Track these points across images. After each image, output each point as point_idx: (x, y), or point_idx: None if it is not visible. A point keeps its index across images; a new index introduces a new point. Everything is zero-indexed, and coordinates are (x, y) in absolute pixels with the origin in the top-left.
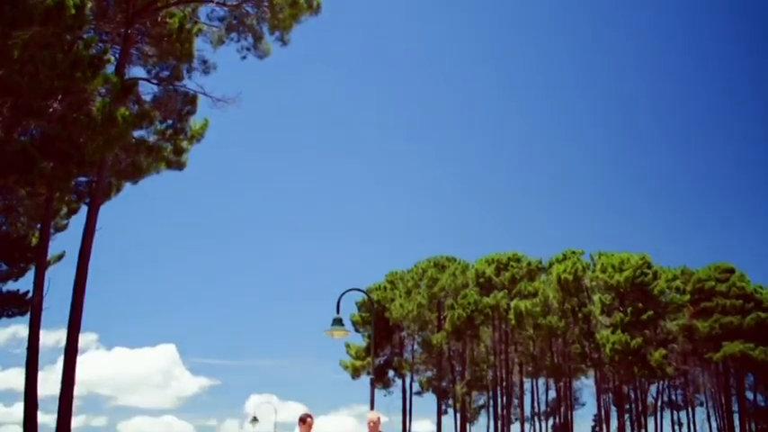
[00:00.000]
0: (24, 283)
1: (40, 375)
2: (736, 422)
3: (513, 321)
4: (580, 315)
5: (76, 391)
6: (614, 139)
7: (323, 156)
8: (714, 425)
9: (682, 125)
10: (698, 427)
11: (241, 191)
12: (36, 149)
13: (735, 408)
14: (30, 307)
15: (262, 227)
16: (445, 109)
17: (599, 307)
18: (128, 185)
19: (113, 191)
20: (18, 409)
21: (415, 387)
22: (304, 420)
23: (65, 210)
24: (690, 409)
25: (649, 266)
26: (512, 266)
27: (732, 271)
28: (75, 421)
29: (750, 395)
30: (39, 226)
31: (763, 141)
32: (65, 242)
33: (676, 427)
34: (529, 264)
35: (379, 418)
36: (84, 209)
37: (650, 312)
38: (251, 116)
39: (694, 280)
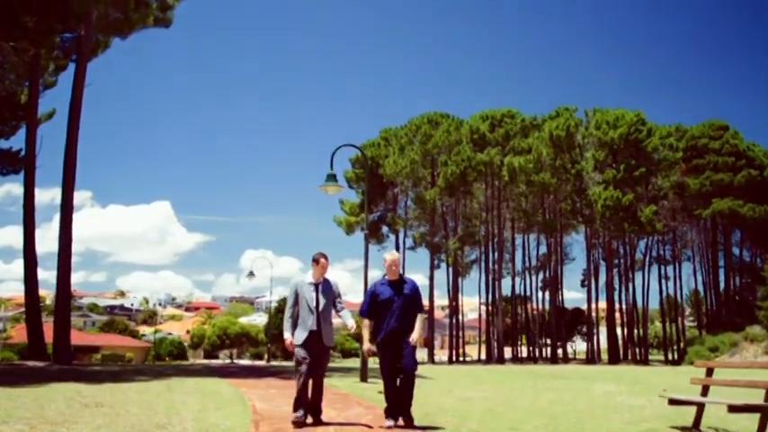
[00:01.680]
0: (17, 142)
1: (37, 233)
2: (722, 276)
3: (505, 178)
4: (573, 172)
5: (74, 247)
6: None
7: (317, 12)
8: (700, 279)
9: None
10: (684, 282)
11: (235, 48)
12: (18, 3)
13: (721, 263)
14: (23, 165)
15: (256, 84)
16: None
17: (591, 164)
18: (116, 43)
19: (101, 47)
20: (17, 266)
21: (409, 242)
22: (317, 261)
23: (52, 66)
24: (677, 264)
25: (644, 123)
26: (506, 123)
27: (726, 128)
28: (75, 277)
29: (736, 251)
30: (27, 84)
31: None
32: (55, 101)
33: (663, 281)
34: (523, 120)
35: (399, 259)
36: (72, 66)
37: (642, 169)
38: None
39: (688, 137)
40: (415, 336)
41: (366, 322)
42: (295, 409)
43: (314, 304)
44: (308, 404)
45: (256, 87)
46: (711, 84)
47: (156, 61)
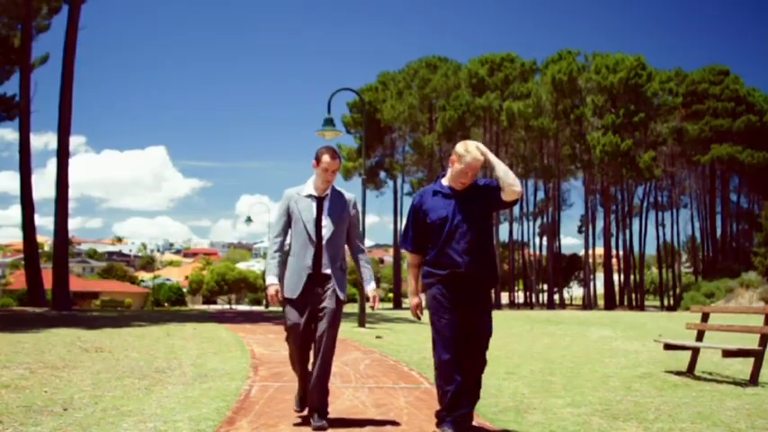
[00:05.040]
0: (10, 88)
1: (32, 179)
2: (719, 223)
3: (504, 123)
4: (572, 117)
5: (69, 193)
6: None
7: None
8: (697, 225)
9: None
10: (681, 228)
11: None
12: None
13: (718, 209)
14: (18, 110)
15: (252, 27)
16: None
17: (591, 108)
18: None
19: None
20: (12, 212)
21: (407, 188)
22: (319, 158)
23: (45, 9)
24: (674, 211)
25: (644, 68)
26: (505, 67)
27: (726, 73)
28: (72, 223)
29: (734, 197)
30: (20, 27)
31: None
32: (46, 45)
33: (660, 228)
34: (522, 64)
35: (480, 162)
36: (65, 8)
37: (642, 114)
38: None
39: (688, 82)
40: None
41: (411, 259)
42: (298, 404)
43: (313, 230)
44: (307, 397)
45: (254, 31)
46: (713, 28)
47: (149, 6)
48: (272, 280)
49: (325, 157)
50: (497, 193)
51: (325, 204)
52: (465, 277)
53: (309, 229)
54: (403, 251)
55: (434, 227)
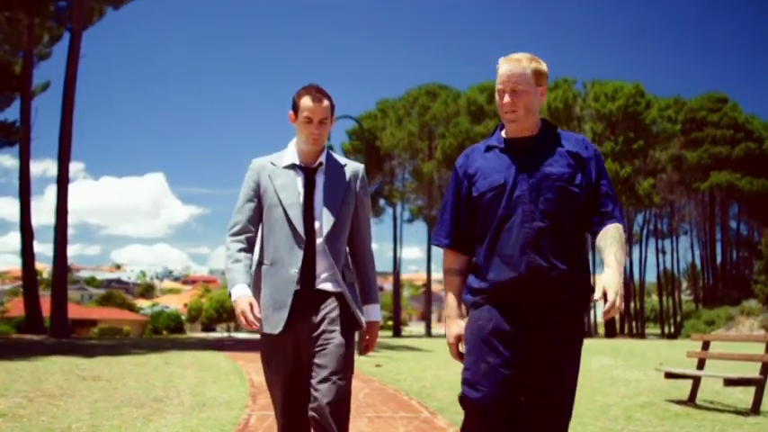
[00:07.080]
0: (10, 114)
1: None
2: (719, 250)
3: None
4: None
5: (68, 220)
6: None
7: None
8: (697, 253)
9: None
10: (681, 255)
11: (228, 16)
12: None
13: (718, 236)
14: (18, 137)
15: (250, 54)
16: None
17: (590, 136)
18: (110, 12)
19: (95, 16)
20: (10, 239)
21: (406, 215)
22: (297, 104)
23: (47, 37)
24: (674, 238)
25: (642, 95)
26: None
27: (725, 101)
28: (70, 250)
29: (734, 224)
30: (22, 54)
31: None
32: (49, 72)
33: (660, 255)
34: None
35: (530, 72)
36: (66, 36)
37: (641, 142)
38: None
39: (686, 109)
40: (611, 288)
41: (448, 261)
42: None
43: (301, 219)
44: None
45: (251, 58)
46: (711, 55)
47: (150, 31)
48: (240, 291)
49: (305, 101)
50: (594, 181)
51: (319, 179)
52: (529, 291)
53: (294, 217)
54: (441, 256)
55: (485, 202)
